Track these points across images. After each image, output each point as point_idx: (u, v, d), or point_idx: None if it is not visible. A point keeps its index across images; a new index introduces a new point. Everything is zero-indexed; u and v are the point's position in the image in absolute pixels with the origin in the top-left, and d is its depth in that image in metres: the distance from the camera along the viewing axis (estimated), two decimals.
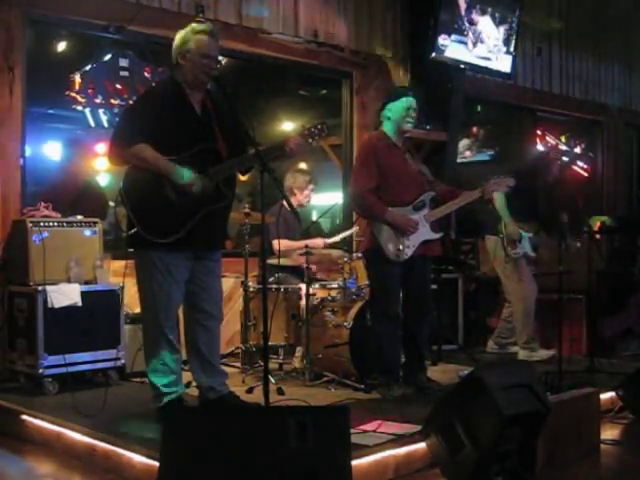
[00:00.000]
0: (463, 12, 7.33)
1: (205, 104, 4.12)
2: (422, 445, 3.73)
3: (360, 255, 5.44)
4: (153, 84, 4.22)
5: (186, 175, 3.87)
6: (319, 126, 4.00)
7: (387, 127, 4.93)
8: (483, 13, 7.56)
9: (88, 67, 7.36)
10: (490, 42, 7.68)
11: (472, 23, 7.44)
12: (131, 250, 4.14)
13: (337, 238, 6.15)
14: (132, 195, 3.94)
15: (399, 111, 4.86)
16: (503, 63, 7.89)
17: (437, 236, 4.95)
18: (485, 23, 7.60)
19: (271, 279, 5.40)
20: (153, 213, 3.91)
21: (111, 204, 7.49)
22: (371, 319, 5.00)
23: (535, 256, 6.37)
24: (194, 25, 4.10)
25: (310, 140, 4.01)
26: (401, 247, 4.76)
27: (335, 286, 5.49)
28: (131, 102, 4.16)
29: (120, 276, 5.52)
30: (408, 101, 4.87)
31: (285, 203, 6.02)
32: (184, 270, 4.06)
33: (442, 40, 7.16)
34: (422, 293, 4.97)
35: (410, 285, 4.88)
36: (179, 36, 4.07)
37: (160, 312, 4.02)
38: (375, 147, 4.89)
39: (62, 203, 5.88)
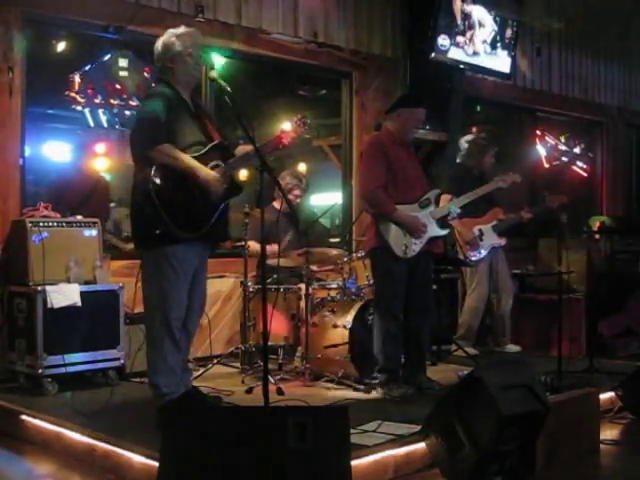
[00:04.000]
0: (463, 12, 7.33)
1: (196, 103, 4.27)
2: (422, 445, 3.73)
3: (360, 255, 5.45)
4: (153, 84, 4.26)
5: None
6: (302, 119, 4.14)
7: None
8: (483, 13, 7.56)
9: (88, 67, 7.36)
10: (490, 42, 7.68)
11: (472, 23, 7.44)
12: (140, 249, 4.17)
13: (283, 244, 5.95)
14: (163, 192, 3.92)
15: None
16: (503, 63, 7.89)
17: (444, 232, 5.04)
18: (485, 23, 7.60)
19: (269, 280, 5.40)
20: (183, 209, 3.96)
21: (112, 205, 7.50)
22: (374, 317, 5.01)
23: (505, 243, 6.38)
24: (172, 30, 4.22)
25: (301, 131, 4.14)
26: (409, 244, 4.79)
27: (335, 286, 5.49)
28: (141, 105, 4.22)
29: (119, 276, 5.54)
30: None
31: (275, 204, 6.07)
32: (193, 269, 4.14)
33: (442, 40, 7.17)
34: (425, 292, 5.00)
35: (413, 284, 4.89)
36: (161, 43, 4.18)
37: (171, 311, 4.05)
38: (384, 144, 4.95)
39: (69, 203, 5.89)
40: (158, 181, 3.90)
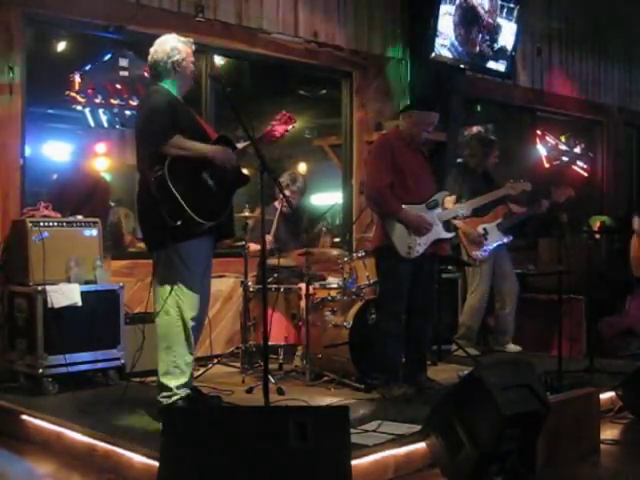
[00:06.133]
0: (463, 12, 7.32)
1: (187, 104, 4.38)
2: (422, 445, 3.73)
3: (361, 254, 5.44)
4: (153, 86, 4.27)
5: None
6: (287, 114, 4.33)
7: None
8: (483, 13, 7.56)
9: (88, 67, 7.36)
10: (490, 42, 7.67)
11: (472, 23, 7.44)
12: (153, 250, 4.18)
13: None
14: (180, 183, 3.94)
15: None
16: (502, 63, 7.89)
17: (449, 235, 5.06)
18: (485, 23, 7.59)
19: (270, 279, 5.40)
20: (201, 198, 4.00)
21: (111, 204, 7.50)
22: (377, 317, 5.00)
23: (511, 239, 6.38)
24: (174, 35, 4.30)
25: (291, 123, 4.33)
26: (412, 245, 4.79)
27: (335, 286, 5.49)
28: (144, 103, 4.27)
29: (119, 276, 5.54)
30: None
31: (276, 204, 6.07)
32: (202, 267, 4.20)
33: (441, 40, 7.16)
34: (428, 293, 4.99)
35: (417, 284, 4.88)
36: (168, 46, 4.21)
37: (186, 310, 4.09)
38: (391, 144, 4.94)
39: (70, 203, 5.89)
40: (174, 173, 3.93)
